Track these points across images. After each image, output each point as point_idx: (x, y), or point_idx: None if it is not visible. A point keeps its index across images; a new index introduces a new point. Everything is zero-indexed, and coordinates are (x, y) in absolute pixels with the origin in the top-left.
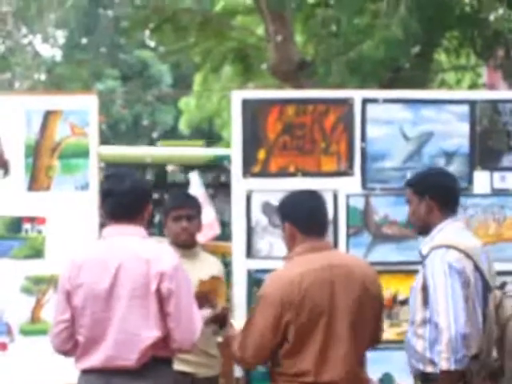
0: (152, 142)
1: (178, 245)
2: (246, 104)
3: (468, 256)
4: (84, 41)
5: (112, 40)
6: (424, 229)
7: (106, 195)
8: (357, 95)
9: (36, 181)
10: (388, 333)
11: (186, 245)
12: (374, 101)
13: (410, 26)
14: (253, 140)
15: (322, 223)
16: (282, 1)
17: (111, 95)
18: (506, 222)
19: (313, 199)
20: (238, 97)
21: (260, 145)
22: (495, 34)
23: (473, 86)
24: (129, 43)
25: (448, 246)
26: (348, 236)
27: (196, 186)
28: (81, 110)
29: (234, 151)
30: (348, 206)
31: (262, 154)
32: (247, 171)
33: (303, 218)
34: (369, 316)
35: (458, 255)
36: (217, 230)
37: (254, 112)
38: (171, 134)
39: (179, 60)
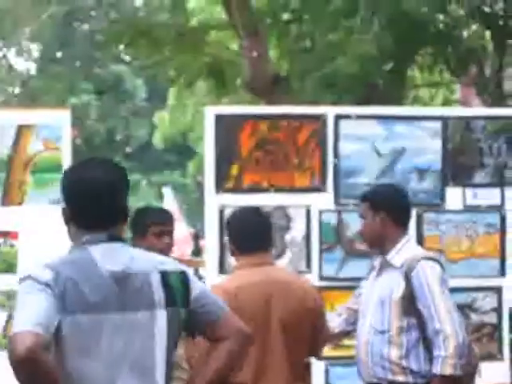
0: (127, 157)
1: None
2: (219, 119)
3: (442, 266)
4: (59, 54)
5: (87, 54)
6: (377, 243)
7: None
8: (330, 111)
9: (9, 195)
10: None
11: None
12: (347, 117)
13: (383, 42)
14: (226, 155)
15: (260, 239)
16: (255, 17)
17: (85, 109)
18: (478, 238)
19: (250, 216)
20: (211, 112)
21: (233, 160)
22: (469, 50)
23: (446, 102)
24: (104, 57)
25: (431, 259)
26: (321, 252)
27: (169, 201)
28: (54, 125)
29: (207, 166)
30: (321, 222)
31: (234, 170)
32: (220, 186)
33: (239, 235)
34: (306, 331)
35: (440, 267)
36: (190, 245)
37: (227, 127)
38: (145, 149)
39: (154, 74)
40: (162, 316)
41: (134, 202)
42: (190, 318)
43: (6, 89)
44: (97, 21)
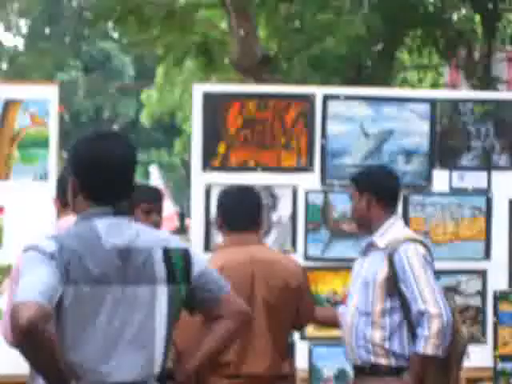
0: None
1: None
2: (208, 97)
3: (427, 248)
4: (47, 30)
5: (75, 30)
6: (363, 224)
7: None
8: (318, 91)
9: None
10: None
11: None
12: (336, 97)
13: (372, 23)
14: (213, 133)
15: (248, 219)
16: None
17: (73, 86)
18: (463, 221)
19: (242, 195)
20: (199, 90)
21: (220, 138)
22: (458, 33)
23: (434, 85)
24: (92, 34)
25: (415, 240)
26: (306, 232)
27: (156, 180)
28: (41, 100)
29: (194, 144)
30: (307, 202)
31: (222, 148)
32: (207, 164)
33: (229, 213)
34: (290, 311)
35: (424, 249)
36: (176, 223)
37: (215, 106)
38: (132, 127)
39: (142, 52)
40: (162, 292)
41: None
42: (190, 296)
43: None
44: None
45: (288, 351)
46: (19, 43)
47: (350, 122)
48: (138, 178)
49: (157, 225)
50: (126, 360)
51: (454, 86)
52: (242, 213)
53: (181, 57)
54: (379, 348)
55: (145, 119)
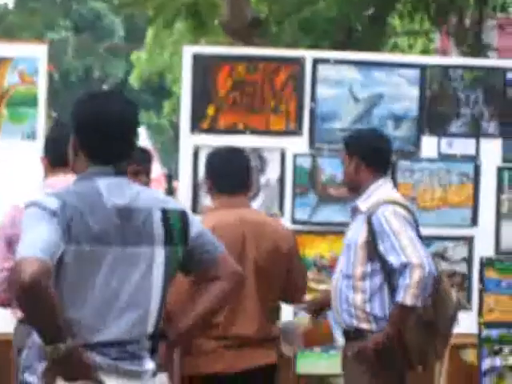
0: None
1: None
2: (197, 59)
3: (410, 211)
4: None
5: None
6: (353, 188)
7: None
8: (308, 55)
9: None
10: None
11: None
12: (325, 61)
13: None
14: (202, 96)
15: (238, 181)
16: None
17: (63, 45)
18: (451, 187)
19: (232, 157)
20: (189, 51)
21: (210, 101)
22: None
23: (424, 51)
24: None
25: (395, 203)
26: (294, 195)
27: (144, 141)
28: (31, 59)
29: (183, 106)
30: (295, 166)
31: (211, 111)
32: (195, 127)
33: (218, 175)
34: (279, 273)
35: (404, 210)
36: (163, 185)
37: (204, 68)
38: (121, 88)
39: (132, 13)
40: (160, 253)
41: None
42: (187, 257)
43: None
44: None
45: (276, 314)
46: (9, 2)
47: (340, 85)
48: None
49: (145, 186)
50: (121, 319)
51: (444, 52)
52: (232, 175)
53: (171, 18)
54: (360, 312)
55: (134, 80)
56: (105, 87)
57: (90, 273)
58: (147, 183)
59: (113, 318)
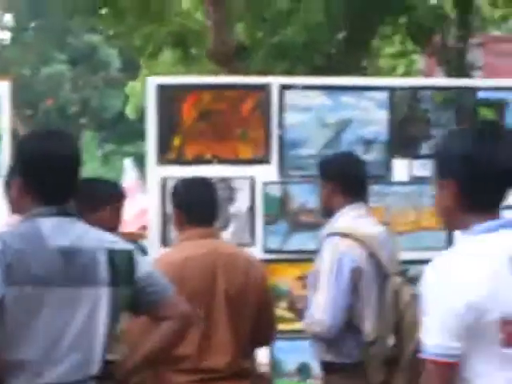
0: (100, 127)
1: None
2: (162, 90)
3: (362, 244)
4: (32, 24)
5: (60, 23)
6: (326, 213)
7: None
8: (274, 81)
9: None
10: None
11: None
12: (292, 87)
13: (331, 9)
14: (168, 126)
15: (208, 211)
16: None
17: (59, 79)
18: (424, 210)
19: (201, 187)
20: (153, 83)
21: (175, 131)
22: (431, 19)
23: (407, 73)
24: (78, 27)
25: (342, 234)
26: (265, 224)
27: (129, 173)
28: None
29: (149, 138)
30: (265, 194)
31: (177, 141)
32: (162, 158)
33: (187, 206)
34: (251, 305)
35: (350, 243)
36: (147, 220)
37: (169, 98)
38: (119, 119)
39: (122, 44)
40: (104, 294)
41: (107, 172)
42: (134, 297)
43: None
44: None
45: (250, 348)
46: (6, 37)
47: (308, 111)
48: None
49: (118, 221)
50: (65, 361)
51: (429, 73)
52: (200, 206)
53: (157, 49)
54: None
55: (130, 111)
56: (103, 118)
57: (32, 314)
58: (119, 219)
59: (57, 359)
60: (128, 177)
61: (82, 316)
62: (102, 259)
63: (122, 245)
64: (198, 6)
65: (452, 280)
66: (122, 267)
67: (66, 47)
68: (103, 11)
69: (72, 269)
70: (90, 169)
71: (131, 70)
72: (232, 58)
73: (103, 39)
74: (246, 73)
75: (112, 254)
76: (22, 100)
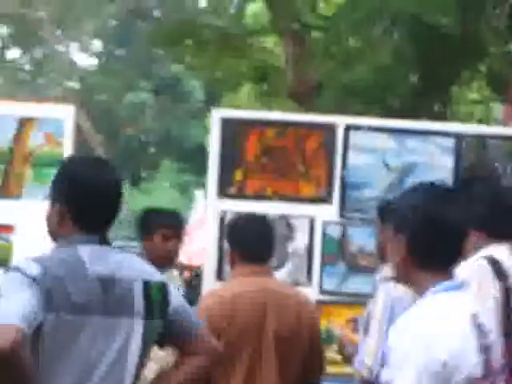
0: (180, 158)
1: (158, 264)
2: (226, 124)
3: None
4: (120, 52)
5: (147, 52)
6: (383, 257)
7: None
8: (340, 121)
9: (7, 188)
10: None
11: (165, 265)
12: (358, 128)
13: (400, 53)
14: (230, 161)
15: (262, 249)
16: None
17: (142, 106)
18: None
19: (256, 224)
20: (217, 116)
21: (237, 166)
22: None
23: (484, 120)
24: (163, 57)
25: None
26: (322, 265)
27: (199, 204)
28: (56, 120)
29: (211, 171)
30: (324, 234)
31: (238, 176)
32: (223, 192)
33: (243, 243)
34: (301, 345)
35: (404, 289)
36: None
37: (233, 132)
38: (199, 150)
39: (204, 76)
40: (139, 325)
41: (183, 202)
42: (165, 331)
43: (64, 83)
44: (158, 20)
45: None
46: (92, 63)
47: (372, 153)
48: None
49: (174, 251)
50: None
51: (506, 122)
52: (255, 243)
53: (237, 82)
54: None
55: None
56: (184, 149)
57: (69, 342)
58: (176, 248)
59: None
60: (198, 208)
61: (117, 347)
62: (138, 290)
63: (156, 276)
64: (278, 42)
65: (426, 340)
66: (156, 300)
67: (150, 76)
68: (187, 42)
69: (110, 298)
70: (168, 198)
71: (214, 102)
72: (311, 96)
73: (186, 70)
74: (321, 111)
75: (148, 286)
76: (102, 126)
